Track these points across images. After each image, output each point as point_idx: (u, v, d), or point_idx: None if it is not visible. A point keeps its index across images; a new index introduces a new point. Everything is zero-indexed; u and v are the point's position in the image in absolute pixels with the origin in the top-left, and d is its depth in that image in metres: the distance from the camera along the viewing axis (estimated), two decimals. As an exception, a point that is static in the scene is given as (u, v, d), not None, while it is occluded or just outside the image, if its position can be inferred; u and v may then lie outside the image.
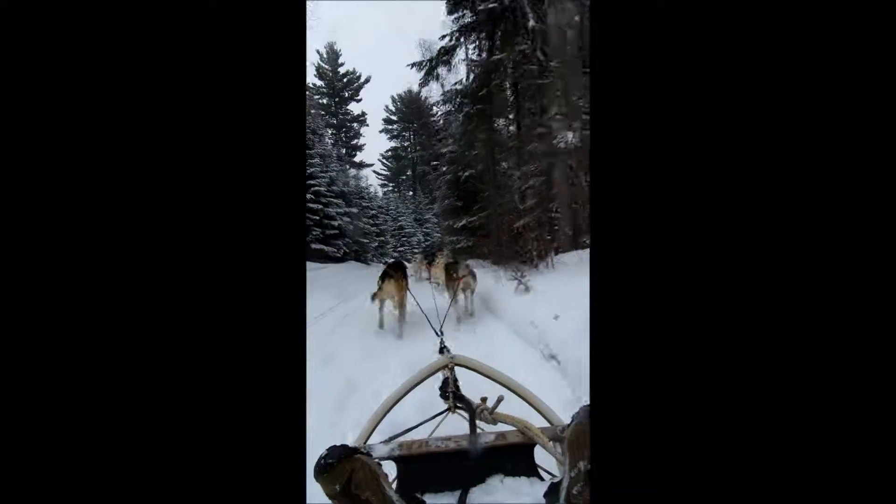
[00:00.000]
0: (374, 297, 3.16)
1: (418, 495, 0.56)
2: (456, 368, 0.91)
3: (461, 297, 3.40)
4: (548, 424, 0.73)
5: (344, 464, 0.42)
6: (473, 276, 3.51)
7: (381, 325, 3.16)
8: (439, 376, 0.91)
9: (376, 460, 0.50)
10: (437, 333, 1.28)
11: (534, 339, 2.47)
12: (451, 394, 0.83)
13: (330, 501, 0.42)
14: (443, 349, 1.05)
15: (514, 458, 0.64)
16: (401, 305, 3.18)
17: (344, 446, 0.45)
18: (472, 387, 0.90)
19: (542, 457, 0.66)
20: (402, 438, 0.69)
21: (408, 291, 3.15)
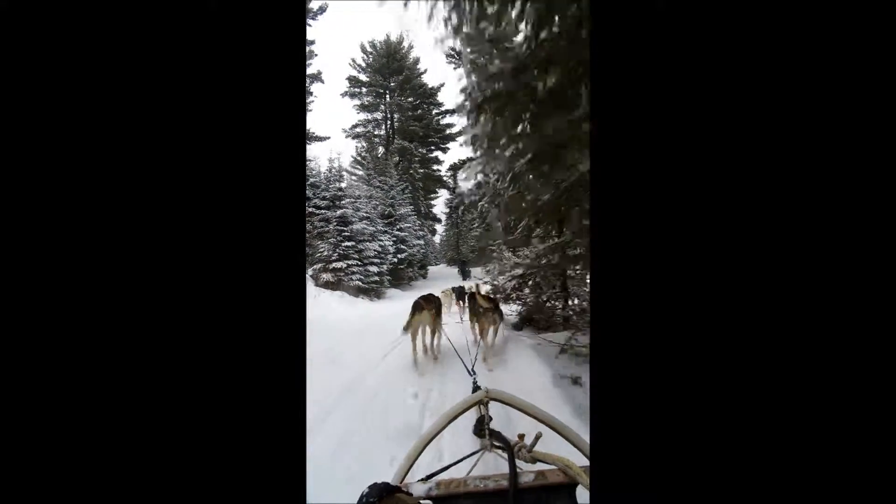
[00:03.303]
0: (405, 329, 3.96)
1: None
2: (490, 405, 1.10)
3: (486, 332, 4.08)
4: (588, 463, 0.87)
5: (385, 502, 0.54)
6: (500, 313, 4.13)
7: (416, 365, 3.89)
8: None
9: (417, 499, 0.61)
10: (469, 372, 1.60)
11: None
12: (488, 431, 1.01)
13: None
14: (476, 389, 1.24)
15: (555, 498, 0.78)
16: (433, 334, 4.07)
17: (385, 484, 0.57)
18: (506, 423, 1.07)
19: (584, 497, 0.78)
20: (439, 477, 0.84)
21: (440, 328, 4.04)
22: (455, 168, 27.05)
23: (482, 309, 4.11)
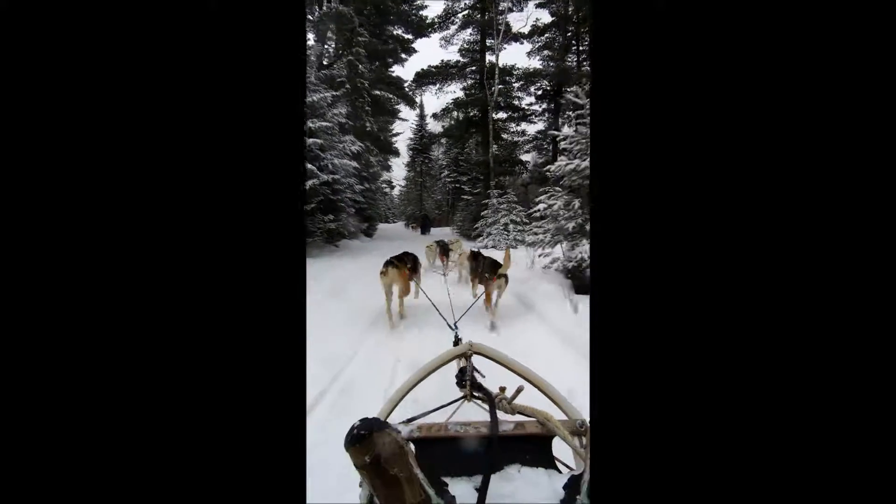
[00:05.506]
0: (381, 276, 5.56)
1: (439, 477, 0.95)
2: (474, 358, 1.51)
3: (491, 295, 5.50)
4: (566, 418, 1.25)
5: (375, 437, 0.75)
6: (506, 279, 5.59)
7: (390, 318, 5.57)
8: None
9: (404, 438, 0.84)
10: (451, 327, 2.12)
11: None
12: (469, 382, 1.39)
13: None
14: (457, 341, 1.78)
15: (532, 448, 1.13)
16: (401, 295, 5.74)
17: (376, 419, 0.79)
18: (488, 377, 1.50)
19: (559, 450, 1.16)
20: (420, 421, 1.18)
21: (417, 284, 5.77)
22: (422, 77, 25.71)
23: (489, 275, 5.57)
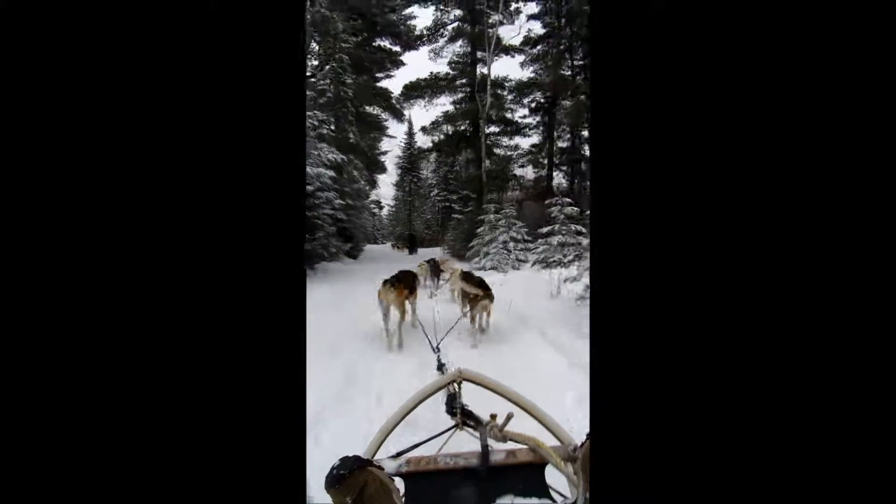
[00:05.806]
0: (379, 299, 5.98)
1: None
2: (463, 383, 1.53)
3: (477, 315, 6.12)
4: (558, 443, 1.26)
5: (356, 476, 0.76)
6: (491, 297, 6.12)
7: (387, 335, 5.94)
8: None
9: (388, 474, 0.85)
10: (433, 349, 2.19)
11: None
12: (460, 410, 1.40)
13: None
14: (441, 366, 1.83)
15: (524, 477, 1.14)
16: (401, 314, 6.10)
17: (356, 458, 0.79)
18: (479, 403, 1.50)
19: (552, 477, 1.17)
20: (409, 454, 1.19)
21: (410, 305, 5.98)
22: (410, 89, 25.86)
23: (472, 294, 6.11)
